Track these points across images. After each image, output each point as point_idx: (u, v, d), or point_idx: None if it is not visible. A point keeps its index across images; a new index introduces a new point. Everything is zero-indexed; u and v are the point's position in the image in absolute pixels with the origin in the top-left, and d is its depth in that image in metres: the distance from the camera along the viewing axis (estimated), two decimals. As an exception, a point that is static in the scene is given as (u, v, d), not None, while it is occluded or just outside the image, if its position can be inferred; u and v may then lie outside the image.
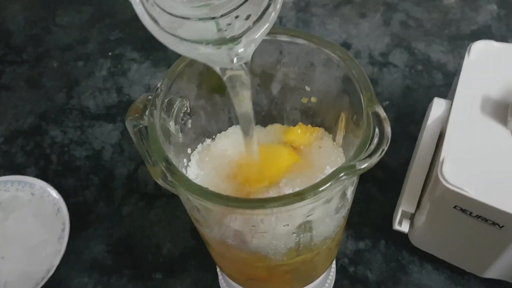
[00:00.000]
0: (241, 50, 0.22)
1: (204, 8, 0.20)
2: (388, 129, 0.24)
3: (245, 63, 0.24)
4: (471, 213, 0.35)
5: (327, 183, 0.23)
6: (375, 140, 0.24)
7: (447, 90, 0.50)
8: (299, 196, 0.22)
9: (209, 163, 0.32)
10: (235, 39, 0.22)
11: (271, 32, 0.23)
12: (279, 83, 0.33)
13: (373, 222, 0.47)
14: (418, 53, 0.61)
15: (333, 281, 0.43)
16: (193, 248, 0.46)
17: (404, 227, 0.41)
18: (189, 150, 0.33)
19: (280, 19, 0.65)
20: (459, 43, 0.61)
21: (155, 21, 0.21)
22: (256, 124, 0.34)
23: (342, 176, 0.23)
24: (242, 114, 0.26)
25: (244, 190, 0.30)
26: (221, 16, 0.21)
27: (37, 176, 0.52)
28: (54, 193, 0.48)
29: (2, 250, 0.45)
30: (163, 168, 0.25)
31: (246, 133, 0.27)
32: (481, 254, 0.39)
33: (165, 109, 0.28)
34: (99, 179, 0.52)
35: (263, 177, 0.30)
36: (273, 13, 0.22)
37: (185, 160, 0.32)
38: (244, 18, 0.21)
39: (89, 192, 0.51)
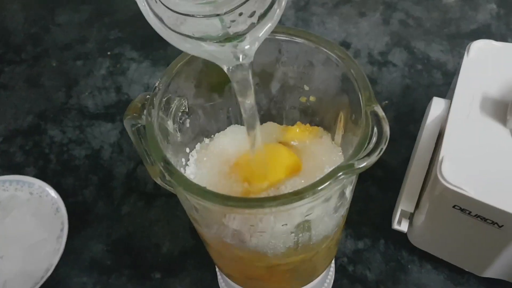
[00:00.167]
0: (246, 47, 0.22)
1: (209, 5, 0.20)
2: (386, 128, 0.24)
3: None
4: (470, 212, 0.35)
5: (326, 182, 0.22)
6: (374, 139, 0.24)
7: (446, 89, 0.50)
8: (297, 195, 0.22)
9: (208, 162, 0.32)
10: (239, 36, 0.22)
11: (270, 30, 0.23)
12: (278, 82, 0.33)
13: (372, 222, 0.47)
14: (418, 52, 0.61)
15: (332, 281, 0.43)
16: (192, 248, 0.46)
17: (403, 227, 0.41)
18: (187, 150, 0.33)
19: (279, 18, 0.65)
20: (459, 42, 0.61)
21: (160, 19, 0.21)
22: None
23: (340, 175, 0.23)
24: (247, 112, 0.26)
25: (243, 190, 0.30)
26: (225, 13, 0.20)
27: (36, 175, 0.52)
28: (53, 192, 0.48)
29: (1, 250, 0.45)
30: (161, 168, 0.25)
31: (251, 130, 0.27)
32: (480, 253, 0.39)
33: (163, 108, 0.28)
34: (98, 179, 0.52)
35: (262, 177, 0.30)
36: (278, 10, 0.22)
37: (183, 160, 0.32)
38: (248, 15, 0.21)
39: (88, 192, 0.51)
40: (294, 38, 0.29)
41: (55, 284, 0.45)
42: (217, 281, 0.44)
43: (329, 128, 0.33)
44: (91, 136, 0.56)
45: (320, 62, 0.29)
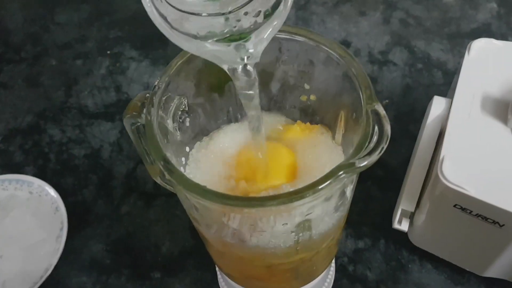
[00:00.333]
0: (251, 49, 0.22)
1: (214, 3, 0.20)
2: (387, 127, 0.24)
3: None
4: (471, 211, 0.34)
5: (326, 181, 0.22)
6: (375, 138, 0.24)
7: (447, 88, 0.50)
8: (298, 194, 0.22)
9: (208, 161, 0.32)
10: (244, 36, 0.22)
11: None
12: (278, 81, 0.32)
13: (372, 221, 0.47)
14: (418, 52, 0.60)
15: (332, 280, 0.43)
16: (192, 247, 0.46)
17: (404, 226, 0.41)
18: (187, 149, 0.32)
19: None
20: (459, 42, 0.61)
21: (164, 19, 0.21)
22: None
23: (341, 174, 0.23)
24: (251, 113, 0.26)
25: (243, 189, 0.30)
26: (230, 12, 0.20)
27: (36, 175, 0.52)
28: (52, 192, 0.48)
29: (1, 249, 0.45)
30: (161, 167, 0.24)
31: (255, 132, 0.26)
32: (481, 253, 0.39)
33: (162, 107, 0.28)
34: (97, 178, 0.52)
35: (263, 177, 0.30)
36: (283, 11, 0.22)
37: (183, 159, 0.32)
38: (253, 14, 0.21)
39: (87, 191, 0.51)
40: (295, 36, 0.29)
41: (54, 283, 0.45)
42: (217, 281, 0.44)
43: (330, 127, 0.33)
44: (90, 135, 0.56)
45: (320, 60, 0.29)
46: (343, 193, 0.28)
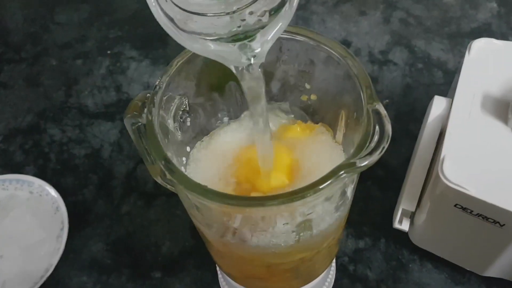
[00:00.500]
0: (256, 49, 0.22)
1: (219, 3, 0.20)
2: (388, 127, 0.24)
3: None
4: (471, 211, 0.34)
5: (327, 181, 0.22)
6: (376, 138, 0.24)
7: (447, 88, 0.50)
8: (299, 194, 0.22)
9: (208, 161, 0.32)
10: (249, 36, 0.22)
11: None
12: (279, 81, 0.32)
13: (373, 221, 0.47)
14: (418, 51, 0.60)
15: (333, 280, 0.43)
16: (192, 247, 0.46)
17: (404, 226, 0.41)
18: (187, 148, 0.32)
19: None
20: (459, 41, 0.61)
21: (170, 18, 0.21)
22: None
23: (342, 174, 0.22)
24: (257, 113, 0.26)
25: (244, 188, 0.30)
26: (235, 11, 0.20)
27: (36, 174, 0.52)
28: (52, 191, 0.48)
29: (1, 249, 0.45)
30: (162, 167, 0.24)
31: (261, 130, 0.26)
32: (482, 252, 0.39)
33: (163, 107, 0.28)
34: (98, 178, 0.52)
35: (264, 177, 0.30)
36: (289, 11, 0.22)
37: (184, 158, 0.32)
38: (258, 14, 0.21)
39: (88, 191, 0.51)
40: (295, 36, 0.29)
41: (54, 283, 0.45)
42: (217, 281, 0.44)
43: (331, 126, 0.33)
44: (91, 135, 0.56)
45: (321, 60, 0.29)
46: (343, 192, 0.28)
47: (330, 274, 0.43)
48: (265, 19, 0.21)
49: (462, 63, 0.42)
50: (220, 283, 0.44)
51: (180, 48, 0.28)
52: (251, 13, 0.21)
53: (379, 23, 0.65)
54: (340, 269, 0.44)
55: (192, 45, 0.22)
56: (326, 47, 0.28)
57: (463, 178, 0.34)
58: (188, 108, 0.30)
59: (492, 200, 0.33)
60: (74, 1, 0.72)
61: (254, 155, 0.31)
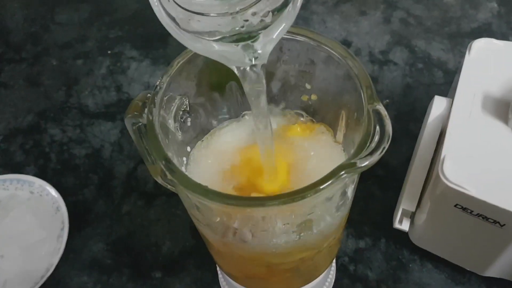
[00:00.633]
0: (259, 49, 0.22)
1: (222, 3, 0.20)
2: (389, 127, 0.24)
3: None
4: (471, 211, 0.34)
5: (328, 181, 0.22)
6: (376, 138, 0.24)
7: (447, 88, 0.50)
8: (299, 194, 0.22)
9: (209, 161, 0.32)
10: (252, 36, 0.22)
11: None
12: (279, 81, 0.32)
13: (373, 221, 0.47)
14: (419, 51, 0.60)
15: (333, 280, 0.43)
16: (192, 247, 0.46)
17: (405, 226, 0.41)
18: (188, 148, 0.32)
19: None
20: (460, 41, 0.61)
21: (172, 18, 0.21)
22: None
23: (342, 174, 0.22)
24: (257, 109, 0.26)
25: (244, 188, 0.30)
26: (239, 11, 0.20)
27: (36, 174, 0.52)
28: (53, 191, 0.48)
29: (1, 249, 0.45)
30: (163, 167, 0.24)
31: (262, 128, 0.26)
32: (482, 252, 0.39)
33: (164, 107, 0.28)
34: (98, 178, 0.52)
35: (264, 181, 0.30)
36: (292, 11, 0.22)
37: (184, 158, 0.32)
38: (261, 15, 0.21)
39: (88, 191, 0.51)
40: (296, 36, 0.29)
41: (55, 283, 0.45)
42: (218, 281, 0.44)
43: (331, 126, 0.33)
44: (91, 135, 0.56)
45: (321, 60, 0.29)
46: (344, 193, 0.28)
47: (330, 274, 0.43)
48: (268, 19, 0.21)
49: (462, 63, 0.42)
50: (220, 283, 0.44)
51: (181, 48, 0.28)
52: (254, 13, 0.21)
53: (380, 23, 0.65)
54: (340, 269, 0.44)
55: (195, 45, 0.22)
56: (326, 47, 0.28)
57: (463, 178, 0.34)
58: (188, 108, 0.30)
59: (492, 200, 0.33)
60: (74, 1, 0.72)
61: (254, 155, 0.31)
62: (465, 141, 0.36)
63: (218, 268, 0.44)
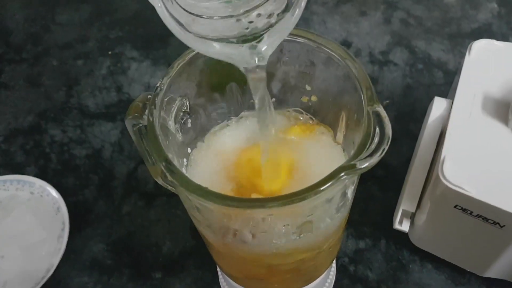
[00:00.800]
0: (263, 49, 0.22)
1: (225, 6, 0.20)
2: (388, 129, 0.24)
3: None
4: (471, 212, 0.34)
5: (328, 182, 0.22)
6: (376, 140, 0.24)
7: (447, 88, 0.50)
8: (299, 196, 0.22)
9: (209, 162, 0.32)
10: (256, 37, 0.22)
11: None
12: (279, 82, 0.32)
13: (373, 221, 0.47)
14: (419, 52, 0.60)
15: (333, 281, 0.43)
16: (193, 247, 0.46)
17: (405, 227, 0.41)
18: (188, 150, 0.32)
19: (280, 17, 0.65)
20: (460, 42, 0.61)
21: (176, 20, 0.21)
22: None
23: (342, 176, 0.23)
24: (259, 101, 0.26)
25: (245, 189, 0.30)
26: (243, 14, 0.20)
27: (37, 175, 0.52)
28: (53, 192, 0.48)
29: (2, 250, 0.45)
30: (163, 168, 0.24)
31: (263, 122, 0.27)
32: (482, 253, 0.39)
33: (164, 108, 0.28)
34: (98, 178, 0.52)
35: (264, 182, 0.30)
36: (297, 11, 0.22)
37: (184, 160, 0.32)
38: (266, 16, 0.21)
39: (88, 191, 0.51)
40: (296, 37, 0.29)
41: (55, 284, 0.45)
42: (217, 281, 0.44)
43: (331, 127, 0.33)
44: (91, 135, 0.56)
45: (321, 61, 0.29)
46: (344, 194, 0.28)
47: (330, 274, 0.43)
48: (272, 20, 0.21)
49: (462, 64, 0.42)
50: (220, 284, 0.44)
51: (181, 49, 0.28)
52: (258, 15, 0.21)
53: (380, 23, 0.65)
54: (340, 269, 0.44)
55: (199, 46, 0.22)
56: (326, 49, 0.28)
57: (463, 179, 0.34)
58: (189, 110, 0.30)
59: (492, 201, 0.33)
60: (74, 1, 0.72)
61: (254, 156, 0.31)
62: (465, 142, 0.36)
63: (218, 269, 0.44)
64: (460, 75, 0.41)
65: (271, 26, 0.22)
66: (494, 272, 0.40)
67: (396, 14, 0.66)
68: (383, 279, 0.43)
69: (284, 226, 0.26)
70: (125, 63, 0.63)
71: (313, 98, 0.33)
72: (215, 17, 0.20)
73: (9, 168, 0.54)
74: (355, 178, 0.27)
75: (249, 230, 0.27)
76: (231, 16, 0.20)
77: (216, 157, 0.32)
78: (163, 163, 0.24)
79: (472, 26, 0.63)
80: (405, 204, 0.41)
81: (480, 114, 0.38)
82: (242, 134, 0.34)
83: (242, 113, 0.34)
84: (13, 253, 0.45)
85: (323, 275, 0.39)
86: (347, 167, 0.23)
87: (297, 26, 0.27)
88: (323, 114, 0.33)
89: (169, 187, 0.32)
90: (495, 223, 0.34)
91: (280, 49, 0.30)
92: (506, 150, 0.36)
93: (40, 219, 0.47)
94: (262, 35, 0.22)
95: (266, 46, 0.22)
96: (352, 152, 0.24)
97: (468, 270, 0.42)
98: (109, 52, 0.64)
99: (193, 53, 0.28)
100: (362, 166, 0.23)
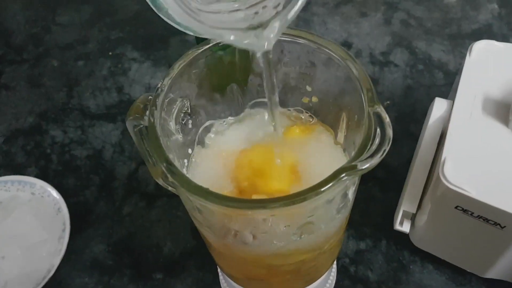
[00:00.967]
0: (270, 35, 0.23)
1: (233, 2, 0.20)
2: (389, 130, 0.24)
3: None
4: (472, 213, 0.34)
5: (329, 183, 0.22)
6: (377, 141, 0.24)
7: (448, 89, 0.50)
8: (300, 197, 0.22)
9: (210, 163, 0.32)
10: (262, 25, 0.22)
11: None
12: (280, 83, 0.33)
13: (374, 222, 0.47)
14: (419, 53, 0.61)
15: (334, 281, 0.43)
16: (193, 248, 0.46)
17: (405, 227, 0.41)
18: (189, 150, 0.32)
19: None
20: (460, 42, 0.61)
21: (183, 9, 0.21)
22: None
23: (343, 177, 0.23)
24: (268, 84, 0.26)
25: (245, 190, 0.30)
26: (248, 7, 0.21)
27: (38, 176, 0.52)
28: (54, 193, 0.48)
29: (3, 250, 0.45)
30: (164, 169, 0.24)
31: (273, 107, 0.27)
32: (483, 254, 0.39)
33: (165, 109, 0.28)
34: (99, 179, 0.52)
35: (265, 183, 0.30)
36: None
37: (185, 160, 0.32)
38: (272, 7, 0.21)
39: (89, 192, 0.51)
40: (296, 38, 0.29)
41: (56, 284, 0.45)
42: (218, 282, 0.44)
43: (332, 128, 0.33)
44: (92, 136, 0.56)
45: (322, 62, 0.29)
46: (345, 195, 0.28)
47: (331, 275, 0.43)
48: (279, 8, 0.22)
49: (463, 65, 0.42)
50: (221, 284, 0.44)
51: (182, 50, 0.28)
52: (264, 7, 0.21)
53: (380, 24, 0.65)
54: (341, 270, 0.44)
55: (207, 34, 0.22)
56: (327, 50, 0.28)
57: (464, 180, 0.34)
58: (189, 110, 0.30)
59: (493, 202, 0.33)
60: (75, 2, 0.72)
61: (255, 157, 0.31)
62: (465, 143, 0.36)
63: (218, 269, 0.44)
64: (460, 76, 0.41)
65: (277, 14, 0.22)
66: (494, 273, 0.40)
67: (397, 15, 0.66)
68: (383, 279, 0.43)
69: (285, 227, 0.26)
70: (126, 64, 0.63)
71: (314, 99, 0.33)
72: (222, 12, 0.21)
73: (10, 168, 0.54)
74: (356, 179, 0.27)
75: (250, 231, 0.27)
76: (236, 10, 0.20)
77: (217, 158, 0.33)
78: (164, 164, 0.24)
79: (472, 27, 0.63)
80: (406, 205, 0.41)
81: (481, 115, 0.38)
82: (243, 135, 0.34)
83: (243, 114, 0.34)
84: (13, 254, 0.45)
85: (323, 276, 0.39)
86: (348, 168, 0.23)
87: (298, 27, 0.27)
88: (323, 115, 0.33)
89: (170, 188, 0.32)
90: (495, 224, 0.34)
91: (280, 50, 0.30)
92: (506, 151, 0.36)
93: (41, 219, 0.47)
94: (268, 23, 0.22)
95: (272, 32, 0.23)
96: (353, 153, 0.24)
97: (469, 271, 0.42)
98: (110, 53, 0.64)
99: (194, 54, 0.28)
100: (363, 167, 0.23)
